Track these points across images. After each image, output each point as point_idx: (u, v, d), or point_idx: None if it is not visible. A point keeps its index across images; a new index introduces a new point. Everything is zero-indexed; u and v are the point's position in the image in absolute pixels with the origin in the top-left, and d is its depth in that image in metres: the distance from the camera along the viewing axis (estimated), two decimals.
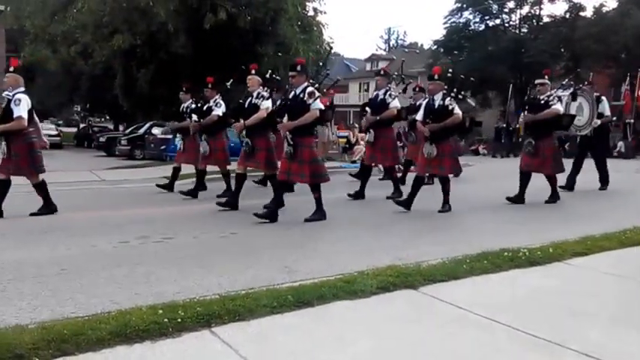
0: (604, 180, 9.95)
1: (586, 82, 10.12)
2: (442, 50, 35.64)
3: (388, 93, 8.69)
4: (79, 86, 31.05)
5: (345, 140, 19.23)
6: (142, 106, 16.88)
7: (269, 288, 3.65)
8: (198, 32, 16.08)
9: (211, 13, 16.54)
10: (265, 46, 18.64)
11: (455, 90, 7.35)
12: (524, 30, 35.10)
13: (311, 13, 22.89)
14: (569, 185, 9.65)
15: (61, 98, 38.33)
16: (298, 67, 6.67)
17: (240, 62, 18.13)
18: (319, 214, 6.67)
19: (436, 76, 7.62)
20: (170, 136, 20.84)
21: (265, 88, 7.55)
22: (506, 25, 35.54)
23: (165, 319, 2.98)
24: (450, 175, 7.83)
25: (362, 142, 17.79)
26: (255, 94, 7.40)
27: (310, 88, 6.44)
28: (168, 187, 9.50)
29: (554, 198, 8.28)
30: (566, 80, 9.42)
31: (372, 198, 8.54)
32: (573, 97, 9.30)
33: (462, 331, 3.08)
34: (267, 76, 7.79)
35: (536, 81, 8.63)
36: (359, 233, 6.02)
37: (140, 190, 10.12)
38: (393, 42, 71.94)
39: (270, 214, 6.55)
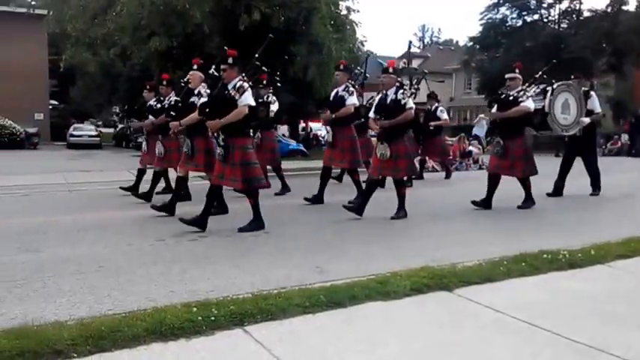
0: (595, 184, 8.95)
1: (572, 77, 8.96)
2: (478, 47, 35.07)
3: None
4: (118, 88, 31.77)
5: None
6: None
7: (301, 288, 3.66)
8: (233, 33, 16.24)
9: (245, 14, 16.70)
10: (298, 46, 18.69)
11: (409, 83, 6.84)
12: (564, 25, 34.19)
13: (344, 11, 22.86)
14: (557, 191, 8.85)
15: (100, 99, 39.31)
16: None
17: (272, 62, 18.28)
18: (255, 224, 6.04)
19: (390, 69, 6.95)
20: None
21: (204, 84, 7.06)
22: (545, 20, 34.67)
23: (200, 317, 3.01)
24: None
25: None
26: (196, 92, 6.98)
27: (240, 83, 5.80)
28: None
29: (527, 203, 7.62)
30: (539, 74, 7.94)
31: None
32: (545, 93, 8.19)
33: (499, 335, 3.01)
34: (211, 71, 6.99)
35: (507, 75, 7.72)
36: (391, 234, 5.98)
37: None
38: (427, 39, 71.26)
39: (199, 220, 5.93)
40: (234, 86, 5.82)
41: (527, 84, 7.59)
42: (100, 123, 41.73)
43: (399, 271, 3.98)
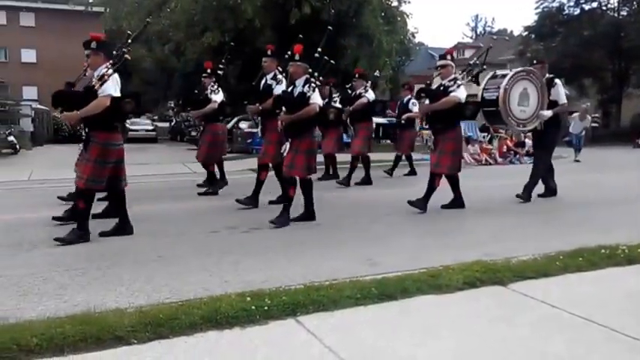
0: (528, 187, 7.67)
1: (534, 62, 7.91)
2: (533, 36, 33.98)
3: (276, 77, 7.02)
4: (172, 83, 32.64)
5: (428, 132, 18.84)
6: (229, 101, 17.53)
7: (352, 280, 3.68)
8: (283, 27, 16.40)
9: (296, 8, 16.80)
10: (348, 39, 18.65)
11: (316, 74, 5.93)
12: (624, 13, 32.65)
13: (395, 3, 22.62)
14: (550, 190, 7.99)
15: (155, 95, 40.46)
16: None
17: (323, 55, 18.33)
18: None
19: (297, 56, 6.08)
20: (256, 130, 21.46)
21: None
22: (604, 8, 33.21)
23: (253, 307, 3.08)
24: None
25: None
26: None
27: (99, 71, 5.16)
28: None
29: (455, 203, 6.96)
30: (474, 60, 7.19)
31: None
32: (476, 80, 7.14)
33: (554, 330, 2.95)
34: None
35: (438, 62, 6.98)
36: (443, 228, 5.91)
37: (230, 183, 10.44)
38: (480, 29, 69.51)
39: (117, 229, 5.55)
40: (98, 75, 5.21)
41: (460, 72, 6.94)
42: (155, 117, 42.93)
43: (451, 264, 3.95)
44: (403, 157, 11.48)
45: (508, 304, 3.35)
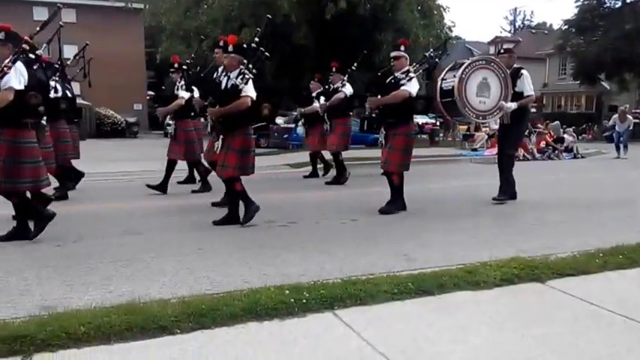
0: (505, 189, 7.16)
1: (501, 50, 7.41)
2: (573, 30, 33.10)
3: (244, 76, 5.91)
4: None
5: (465, 127, 18.63)
6: (265, 96, 17.74)
7: (389, 275, 3.71)
8: (320, 22, 16.43)
9: (332, 3, 16.79)
10: (384, 33, 18.54)
11: (250, 66, 5.58)
12: None
13: None
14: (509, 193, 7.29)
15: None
16: None
17: (359, 50, 18.27)
18: (394, 206, 6.27)
19: (230, 47, 5.67)
20: (292, 125, 21.59)
21: None
22: None
23: (292, 300, 3.14)
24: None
25: (484, 130, 17.21)
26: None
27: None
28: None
29: (391, 206, 6.45)
30: (431, 50, 6.69)
31: (492, 187, 8.21)
32: (428, 76, 6.77)
33: (593, 328, 2.92)
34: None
35: (392, 54, 6.58)
36: (479, 223, 5.87)
37: (266, 177, 10.59)
38: (518, 23, 67.95)
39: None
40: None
41: (414, 64, 6.52)
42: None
43: (489, 261, 3.94)
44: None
45: (547, 302, 3.33)
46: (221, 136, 5.71)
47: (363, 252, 4.62)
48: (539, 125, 19.29)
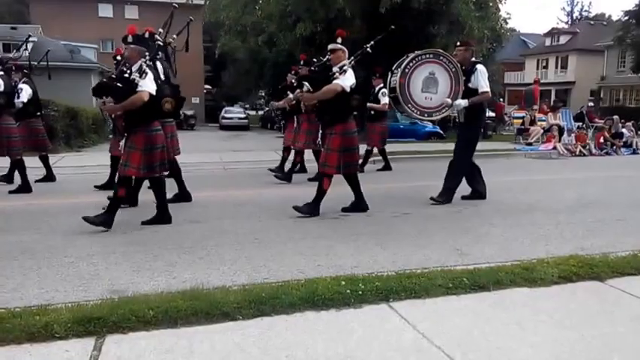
0: (448, 190, 6.69)
1: (457, 43, 6.87)
2: (634, 21, 31.56)
3: (140, 70, 5.58)
4: (264, 73, 33.49)
5: (520, 121, 18.15)
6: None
7: (443, 269, 3.73)
8: (374, 16, 16.33)
9: None
10: (438, 26, 18.27)
11: (148, 58, 5.33)
12: None
13: None
14: (477, 193, 6.92)
15: (248, 84, 41.72)
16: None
17: (412, 43, 18.04)
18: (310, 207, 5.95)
19: (130, 38, 5.44)
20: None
21: None
22: None
23: (348, 291, 3.21)
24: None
25: (539, 124, 16.73)
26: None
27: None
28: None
29: (357, 206, 6.15)
30: (371, 44, 6.15)
31: (548, 182, 8.06)
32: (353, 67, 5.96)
33: None
34: None
35: (329, 46, 6.05)
36: (536, 220, 5.76)
37: (314, 170, 10.68)
38: (576, 14, 65.33)
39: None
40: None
41: (352, 57, 5.98)
42: (247, 106, 44.40)
43: (546, 257, 3.90)
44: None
45: (606, 300, 3.27)
46: (125, 135, 5.47)
47: (416, 245, 4.64)
48: (597, 120, 18.59)
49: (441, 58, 6.46)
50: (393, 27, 6.58)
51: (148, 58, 5.25)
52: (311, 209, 5.95)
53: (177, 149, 6.93)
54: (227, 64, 38.77)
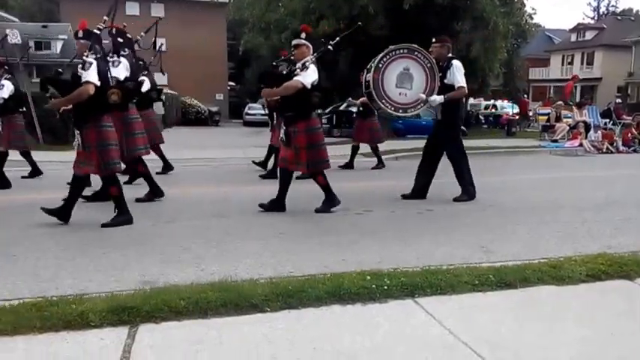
0: (463, 183, 6.67)
1: (434, 40, 6.71)
2: None
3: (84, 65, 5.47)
4: None
5: (545, 118, 17.93)
6: (340, 86, 17.74)
7: (469, 266, 3.72)
8: (397, 13, 16.24)
9: None
10: (462, 22, 18.10)
11: (95, 49, 5.23)
12: None
13: None
14: (419, 191, 6.80)
15: None
16: None
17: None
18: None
19: (80, 33, 5.39)
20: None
21: None
22: None
23: (373, 285, 3.23)
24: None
25: (565, 120, 16.51)
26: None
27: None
28: None
29: (326, 205, 5.97)
30: (337, 39, 6.07)
31: (574, 180, 7.96)
32: (318, 60, 5.91)
33: None
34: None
35: (293, 42, 5.98)
36: (561, 217, 5.71)
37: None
38: (602, 9, 63.99)
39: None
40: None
41: (314, 53, 5.86)
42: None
43: (573, 256, 3.87)
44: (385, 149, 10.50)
45: (636, 299, 3.24)
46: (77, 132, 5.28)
47: (440, 242, 4.64)
48: (624, 117, 18.27)
49: (416, 53, 6.36)
50: (359, 23, 6.51)
51: (95, 52, 5.16)
52: (328, 205, 5.95)
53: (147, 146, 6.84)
54: (250, 61, 39.00)
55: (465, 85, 6.49)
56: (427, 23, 16.56)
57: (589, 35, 47.29)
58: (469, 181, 6.69)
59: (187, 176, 9.17)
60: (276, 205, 5.95)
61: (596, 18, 60.03)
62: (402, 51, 6.35)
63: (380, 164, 10.51)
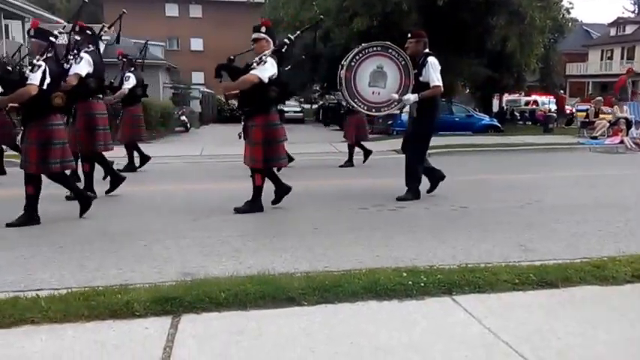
0: (413, 187, 6.42)
1: (409, 35, 6.45)
2: None
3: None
4: (318, 67, 33.76)
5: (584, 114, 17.49)
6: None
7: (508, 264, 3.67)
8: (431, 9, 16.12)
9: None
10: (497, 17, 17.82)
11: (51, 48, 5.20)
12: None
13: None
14: (435, 180, 6.64)
15: (303, 79, 42.12)
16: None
17: (470, 35, 17.68)
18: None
19: (32, 32, 5.35)
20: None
21: None
22: None
23: (410, 282, 3.22)
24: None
25: (604, 117, 16.07)
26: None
27: None
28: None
29: (249, 207, 5.73)
30: (291, 37, 5.93)
31: (615, 178, 7.75)
32: (279, 59, 5.75)
33: None
34: None
35: (252, 35, 5.82)
36: (603, 216, 5.57)
37: (372, 163, 10.69)
38: None
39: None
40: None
41: (272, 47, 5.72)
42: (302, 100, 44.86)
43: (617, 255, 3.78)
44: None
45: None
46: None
47: (476, 240, 4.59)
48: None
49: (390, 50, 6.21)
50: (322, 17, 6.42)
51: (47, 53, 5.18)
52: (251, 207, 5.71)
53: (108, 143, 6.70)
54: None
55: (440, 83, 6.22)
56: (462, 19, 16.37)
57: (629, 29, 45.89)
58: (417, 181, 6.45)
59: (225, 172, 9.32)
60: (257, 205, 5.79)
61: (636, 12, 58.15)
62: (375, 49, 6.23)
63: (349, 163, 10.20)
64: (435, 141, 10.69)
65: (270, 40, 5.75)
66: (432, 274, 3.38)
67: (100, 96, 6.57)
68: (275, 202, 5.95)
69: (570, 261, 3.72)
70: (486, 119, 22.42)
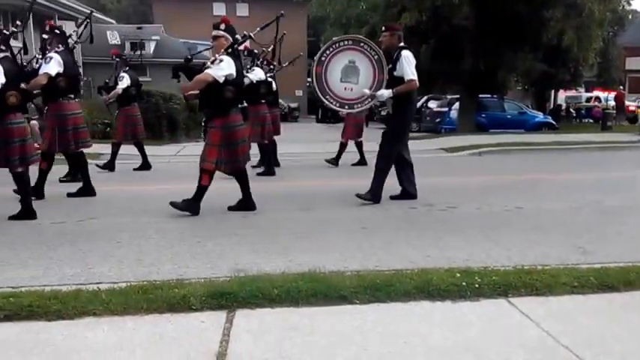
0: (376, 191, 5.99)
1: (383, 28, 6.16)
2: None
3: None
4: None
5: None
6: (421, 79, 17.60)
7: (566, 267, 3.57)
8: (483, 2, 15.76)
9: None
10: (553, 10, 17.24)
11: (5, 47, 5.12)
12: None
13: None
14: (407, 193, 6.21)
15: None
16: None
17: (524, 29, 17.18)
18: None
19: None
20: (445, 109, 21.15)
21: None
22: None
23: (464, 283, 3.17)
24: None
25: None
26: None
27: None
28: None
29: (242, 204, 5.59)
30: (250, 34, 5.67)
31: None
32: (235, 57, 5.37)
33: None
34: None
35: (212, 33, 5.51)
36: None
37: (420, 161, 10.55)
38: None
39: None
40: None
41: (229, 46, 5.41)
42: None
43: None
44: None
45: None
46: None
47: (532, 241, 4.47)
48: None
49: (362, 44, 5.98)
50: (282, 12, 6.28)
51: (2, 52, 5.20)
52: (189, 206, 5.41)
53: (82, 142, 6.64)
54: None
55: (415, 77, 5.89)
56: (516, 12, 15.93)
57: None
58: (381, 183, 6.07)
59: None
60: (247, 205, 5.67)
61: None
62: (346, 42, 6.06)
63: (362, 162, 9.80)
64: (485, 139, 10.59)
65: (229, 37, 5.51)
66: (487, 275, 3.33)
67: (72, 96, 6.46)
68: (232, 207, 5.70)
69: (632, 264, 3.57)
70: (540, 116, 21.82)
